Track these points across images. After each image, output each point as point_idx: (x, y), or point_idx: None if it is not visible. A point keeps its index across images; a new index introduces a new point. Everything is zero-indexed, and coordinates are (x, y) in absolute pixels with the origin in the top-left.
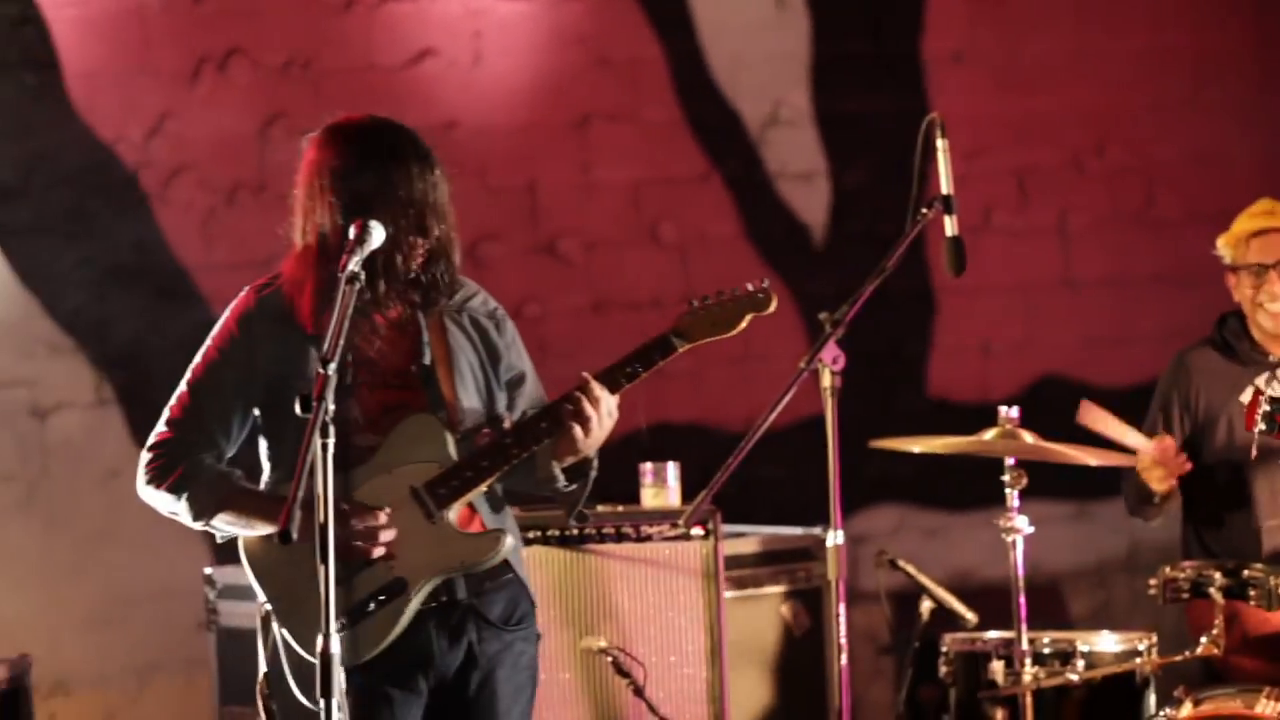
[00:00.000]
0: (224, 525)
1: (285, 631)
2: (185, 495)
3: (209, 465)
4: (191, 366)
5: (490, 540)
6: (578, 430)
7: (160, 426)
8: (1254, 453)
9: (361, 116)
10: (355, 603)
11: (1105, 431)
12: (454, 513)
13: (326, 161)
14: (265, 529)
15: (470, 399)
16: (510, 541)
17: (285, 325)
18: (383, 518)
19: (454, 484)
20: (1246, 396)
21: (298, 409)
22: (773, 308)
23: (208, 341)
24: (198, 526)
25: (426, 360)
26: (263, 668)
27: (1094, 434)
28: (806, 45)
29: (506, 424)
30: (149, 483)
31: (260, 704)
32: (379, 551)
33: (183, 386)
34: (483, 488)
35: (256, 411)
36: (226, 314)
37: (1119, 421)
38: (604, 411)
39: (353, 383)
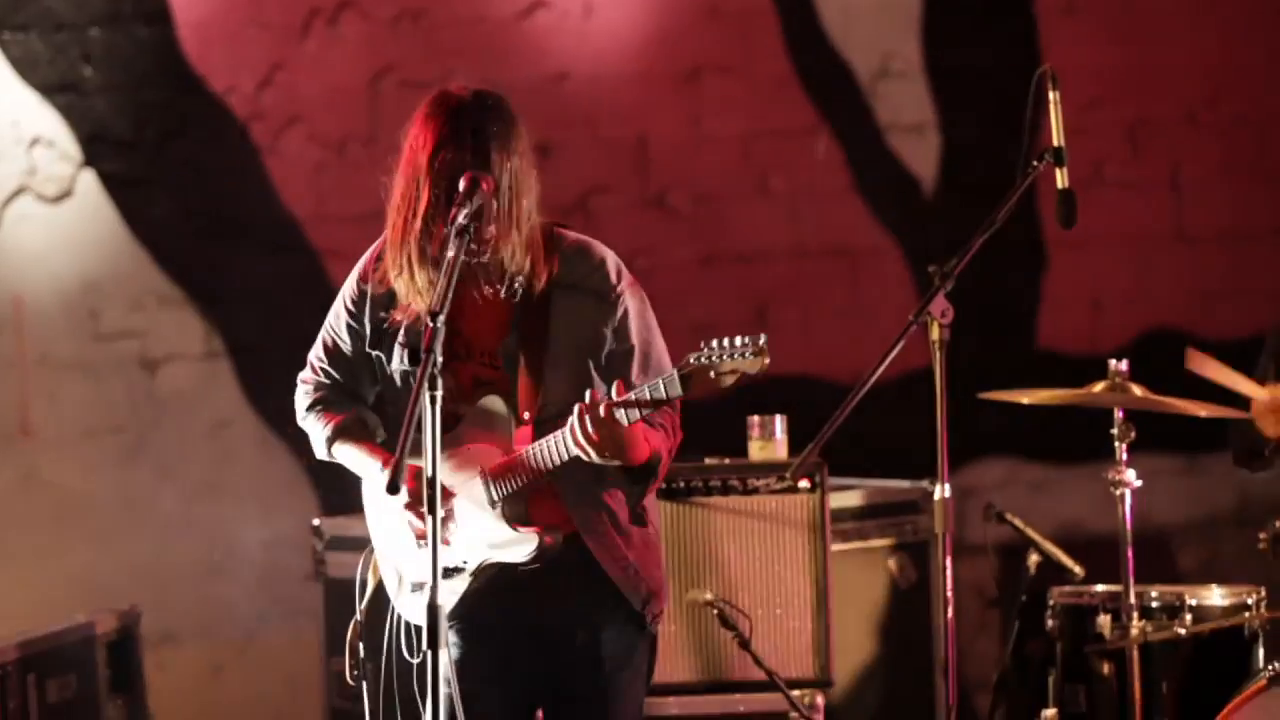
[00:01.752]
0: (342, 460)
1: (384, 576)
2: (311, 421)
3: (338, 400)
4: (330, 313)
5: (524, 541)
6: (583, 449)
7: (309, 360)
8: None
9: (451, 92)
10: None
11: (1215, 378)
12: (514, 505)
13: (414, 137)
14: (372, 471)
15: (561, 382)
16: (554, 541)
17: (382, 299)
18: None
19: (508, 478)
20: None
21: (406, 361)
22: (760, 370)
23: (340, 293)
24: (323, 455)
25: (511, 342)
26: (358, 614)
27: (1204, 386)
28: None
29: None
30: (300, 404)
31: (348, 649)
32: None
33: (320, 333)
34: (534, 483)
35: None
36: (357, 266)
37: (1228, 368)
38: (606, 438)
39: (446, 355)
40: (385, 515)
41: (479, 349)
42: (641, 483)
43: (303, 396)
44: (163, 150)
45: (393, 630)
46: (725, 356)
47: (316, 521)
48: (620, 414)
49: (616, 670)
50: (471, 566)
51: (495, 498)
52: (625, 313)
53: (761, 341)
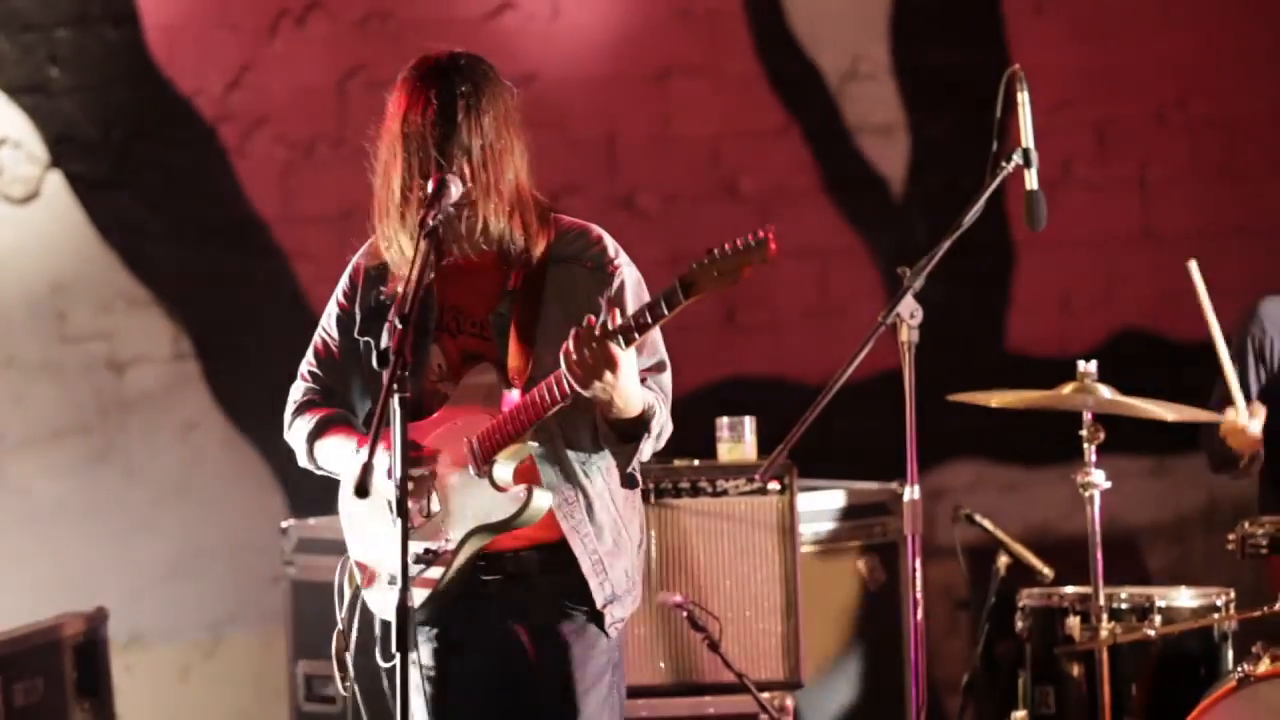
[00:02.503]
0: (324, 459)
1: (360, 581)
2: (297, 426)
3: (327, 404)
4: (323, 316)
5: (516, 496)
6: (575, 379)
7: (299, 372)
8: None
9: (428, 54)
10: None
11: (1199, 301)
12: (504, 468)
13: (392, 102)
14: (348, 457)
15: (553, 352)
16: (541, 500)
17: (378, 274)
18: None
19: (497, 438)
20: None
21: (374, 363)
22: (769, 256)
23: (333, 296)
24: (311, 467)
25: (503, 309)
26: (340, 622)
27: (1173, 388)
28: None
29: None
30: (287, 413)
31: (335, 660)
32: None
33: (315, 336)
34: (524, 439)
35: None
36: (351, 262)
37: (1212, 312)
38: (598, 362)
39: (436, 329)
40: (364, 504)
41: (468, 318)
42: (634, 439)
43: (290, 405)
44: (130, 151)
45: (373, 637)
46: (730, 253)
47: (284, 523)
48: (618, 348)
49: (581, 685)
50: (459, 542)
51: (482, 462)
52: (622, 284)
53: (762, 233)
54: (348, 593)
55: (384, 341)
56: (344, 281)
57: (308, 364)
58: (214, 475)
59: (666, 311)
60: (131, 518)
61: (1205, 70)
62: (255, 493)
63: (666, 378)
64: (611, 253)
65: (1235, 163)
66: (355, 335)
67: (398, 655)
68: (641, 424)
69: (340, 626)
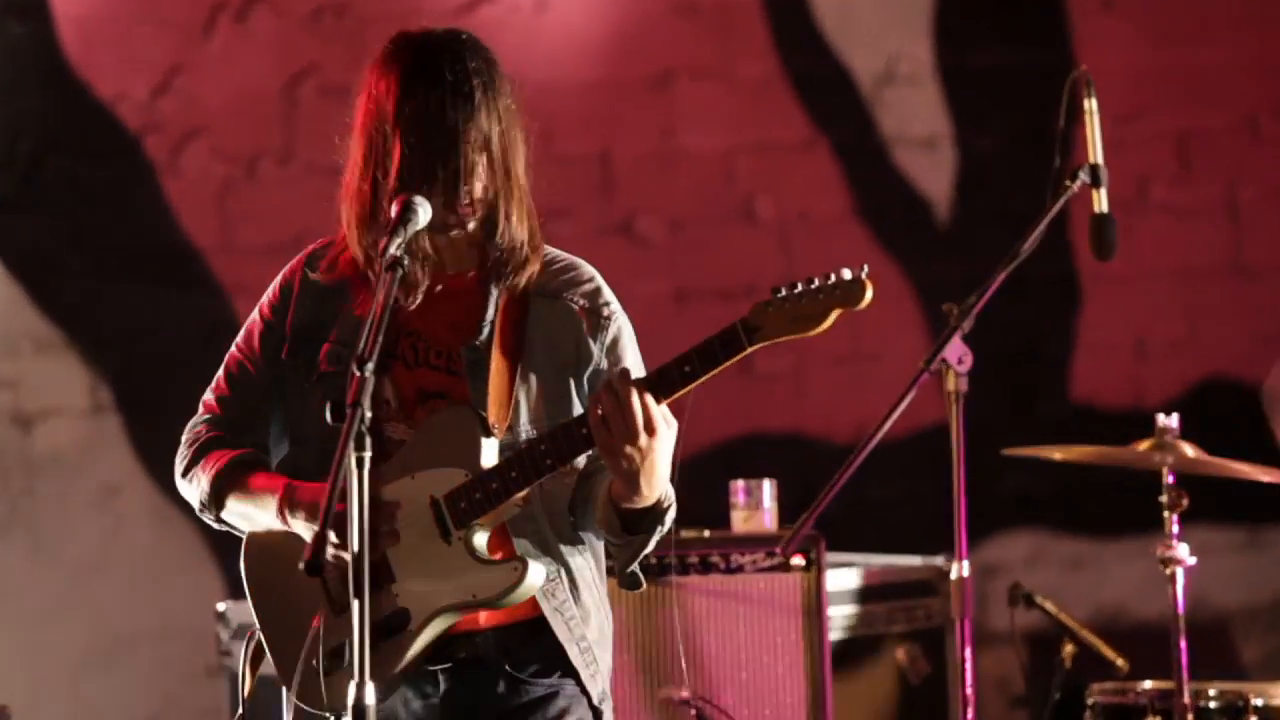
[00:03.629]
0: (232, 513)
1: (271, 658)
2: (193, 474)
3: (229, 442)
4: (239, 335)
5: (508, 571)
6: (601, 441)
7: (201, 402)
8: None
9: (405, 33)
10: (346, 639)
11: None
12: (479, 535)
13: (374, 85)
14: (268, 509)
15: (533, 399)
16: (535, 577)
17: (330, 290)
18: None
19: (477, 497)
20: None
21: (328, 417)
22: (865, 303)
23: (256, 308)
24: (211, 520)
25: (480, 341)
26: (241, 707)
27: (1269, 444)
28: None
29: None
30: (180, 459)
31: None
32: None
33: (228, 357)
34: (511, 503)
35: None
36: (286, 267)
37: None
38: (635, 419)
39: (390, 360)
40: (284, 573)
41: (433, 348)
42: (647, 531)
43: (186, 444)
44: (40, 167)
45: None
46: (807, 292)
47: (221, 606)
48: (652, 403)
49: None
50: (422, 621)
51: (453, 527)
52: (619, 333)
53: (850, 273)
54: (248, 680)
55: (319, 363)
56: (273, 290)
57: (215, 390)
58: (138, 549)
59: (722, 360)
60: (40, 600)
61: None
62: (187, 570)
63: None
64: (607, 296)
65: None
66: (282, 358)
67: None
68: (654, 517)
69: (241, 711)
